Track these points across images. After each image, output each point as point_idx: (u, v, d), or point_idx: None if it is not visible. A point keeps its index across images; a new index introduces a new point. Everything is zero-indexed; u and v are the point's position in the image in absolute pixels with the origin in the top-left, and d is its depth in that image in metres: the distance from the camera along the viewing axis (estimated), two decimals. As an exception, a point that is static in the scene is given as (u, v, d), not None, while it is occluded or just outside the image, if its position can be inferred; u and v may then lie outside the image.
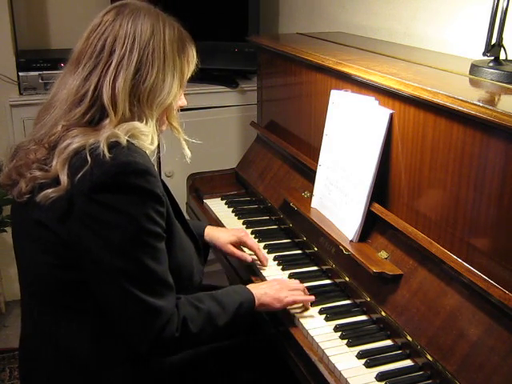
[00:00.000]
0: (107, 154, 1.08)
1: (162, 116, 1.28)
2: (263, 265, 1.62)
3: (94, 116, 1.16)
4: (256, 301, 1.35)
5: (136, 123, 1.17)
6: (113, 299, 1.14)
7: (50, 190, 1.10)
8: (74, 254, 1.13)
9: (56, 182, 1.10)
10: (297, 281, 1.50)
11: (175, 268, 1.22)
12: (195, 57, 1.31)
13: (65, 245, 1.13)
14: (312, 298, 1.45)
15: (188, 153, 1.37)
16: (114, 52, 1.16)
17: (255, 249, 1.63)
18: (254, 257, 1.63)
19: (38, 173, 1.14)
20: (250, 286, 1.41)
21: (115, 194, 1.09)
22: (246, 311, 1.32)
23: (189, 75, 1.32)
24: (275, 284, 1.44)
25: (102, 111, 1.16)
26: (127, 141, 1.13)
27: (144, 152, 1.17)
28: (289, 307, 1.43)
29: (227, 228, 1.74)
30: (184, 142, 1.35)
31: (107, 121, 1.14)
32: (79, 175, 1.08)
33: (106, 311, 1.17)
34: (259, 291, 1.38)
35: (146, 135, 1.19)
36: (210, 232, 1.63)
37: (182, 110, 1.37)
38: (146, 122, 1.20)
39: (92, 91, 1.15)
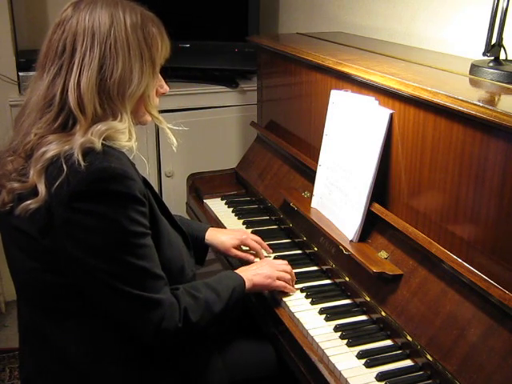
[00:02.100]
0: (82, 163, 1.06)
1: (139, 107, 1.23)
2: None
3: (67, 120, 1.13)
4: (247, 283, 1.39)
5: (110, 123, 1.13)
6: (108, 300, 1.15)
7: (28, 202, 1.09)
8: (61, 261, 1.13)
9: (34, 192, 1.09)
10: (285, 261, 1.55)
11: (165, 264, 1.22)
12: (166, 39, 1.24)
13: (51, 252, 1.13)
14: (293, 289, 1.51)
15: (174, 141, 1.31)
16: (76, 51, 1.12)
17: (257, 250, 1.65)
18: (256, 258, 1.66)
19: (15, 184, 1.12)
20: (240, 270, 1.45)
21: (94, 202, 1.07)
22: (239, 296, 1.35)
23: (162, 60, 1.25)
24: (264, 264, 1.49)
25: (73, 116, 1.12)
26: (103, 144, 1.10)
27: (121, 153, 1.14)
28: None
29: (228, 230, 1.75)
30: (168, 130, 1.30)
31: (79, 125, 1.11)
32: (56, 185, 1.06)
33: (102, 311, 1.18)
34: (250, 273, 1.43)
35: (123, 132, 1.15)
36: (212, 235, 1.64)
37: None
38: (121, 118, 1.16)
39: (59, 95, 1.12)
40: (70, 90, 1.11)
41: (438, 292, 1.26)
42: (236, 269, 1.50)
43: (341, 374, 1.23)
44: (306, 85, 1.85)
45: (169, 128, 1.30)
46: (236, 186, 2.22)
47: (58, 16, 1.17)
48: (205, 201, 2.12)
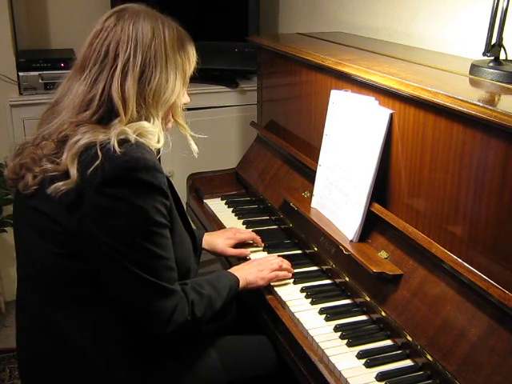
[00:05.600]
0: (118, 150, 1.12)
1: (168, 114, 1.33)
2: (260, 245, 1.76)
3: (102, 118, 1.20)
4: (241, 281, 1.45)
5: (143, 123, 1.21)
6: (124, 287, 1.18)
7: (60, 183, 1.14)
8: (81, 244, 1.16)
9: (66, 175, 1.14)
10: (279, 259, 1.60)
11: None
12: (195, 54, 1.35)
13: (72, 236, 1.16)
14: (289, 275, 1.57)
15: (195, 148, 1.41)
16: (118, 56, 1.20)
17: (253, 238, 1.76)
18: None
19: (49, 165, 1.17)
20: (234, 269, 1.51)
21: (125, 188, 1.13)
22: (233, 294, 1.42)
23: (190, 73, 1.36)
24: (256, 263, 1.56)
25: (109, 114, 1.19)
26: (135, 138, 1.17)
27: (150, 149, 1.21)
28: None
29: (220, 232, 1.79)
30: (190, 138, 1.39)
31: (116, 120, 1.18)
32: (90, 169, 1.12)
33: (113, 300, 1.20)
34: (243, 272, 1.49)
35: (153, 134, 1.23)
36: (208, 240, 1.71)
37: (182, 109, 1.39)
38: (153, 122, 1.24)
39: (99, 96, 1.19)
40: (113, 90, 1.18)
41: (438, 292, 1.26)
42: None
43: (341, 374, 1.23)
44: (306, 85, 1.85)
45: (191, 135, 1.39)
46: (236, 185, 2.22)
47: (98, 23, 1.25)
48: (205, 201, 2.12)
